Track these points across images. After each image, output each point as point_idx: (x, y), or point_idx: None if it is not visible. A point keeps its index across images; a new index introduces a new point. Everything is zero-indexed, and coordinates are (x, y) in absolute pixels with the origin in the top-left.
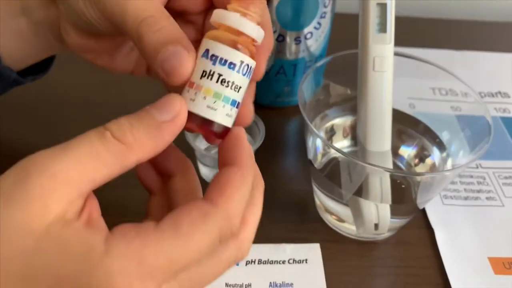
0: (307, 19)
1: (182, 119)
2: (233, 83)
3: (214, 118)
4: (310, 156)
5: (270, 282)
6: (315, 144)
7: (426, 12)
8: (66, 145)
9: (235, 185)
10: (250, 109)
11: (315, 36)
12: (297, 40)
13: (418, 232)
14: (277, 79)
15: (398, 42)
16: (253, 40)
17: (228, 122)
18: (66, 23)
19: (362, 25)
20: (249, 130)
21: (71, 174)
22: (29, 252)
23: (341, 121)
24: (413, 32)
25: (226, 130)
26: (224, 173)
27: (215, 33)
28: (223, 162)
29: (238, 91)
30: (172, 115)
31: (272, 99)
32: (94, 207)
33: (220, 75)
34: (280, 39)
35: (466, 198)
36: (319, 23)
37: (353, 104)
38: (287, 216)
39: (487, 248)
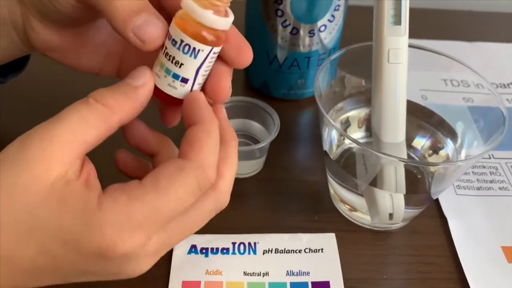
0: (321, 12)
1: (152, 83)
2: (173, 58)
3: (157, 84)
4: (326, 147)
5: (287, 271)
6: (331, 135)
7: (437, 3)
8: (58, 116)
9: (202, 138)
10: (221, 86)
11: (328, 28)
12: (311, 33)
13: (432, 222)
14: (290, 72)
15: (410, 33)
16: (211, 28)
17: (173, 93)
18: (32, 18)
19: (376, 17)
20: (264, 122)
21: (65, 137)
22: (34, 206)
23: (356, 113)
24: (425, 24)
25: (174, 99)
26: (190, 132)
27: (178, 13)
28: (188, 124)
29: (179, 67)
30: (143, 80)
31: (286, 91)
32: (91, 170)
33: (165, 48)
34: (294, 32)
35: (479, 188)
36: (333, 16)
37: (368, 96)
38: (303, 206)
39: (500, 237)
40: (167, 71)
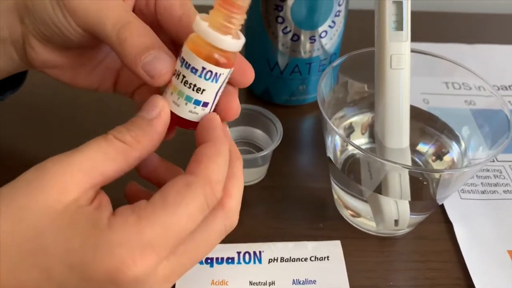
0: (321, 18)
1: (167, 112)
2: (195, 85)
3: (177, 112)
4: (329, 153)
5: (293, 279)
6: (334, 141)
7: (437, 6)
8: (78, 147)
9: (211, 155)
10: (232, 106)
11: (329, 34)
12: (312, 39)
13: (437, 227)
14: (292, 78)
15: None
16: (228, 51)
17: (193, 118)
18: (33, 38)
19: (378, 23)
20: (266, 129)
21: (84, 165)
22: (42, 228)
23: (359, 119)
24: (424, 27)
25: (194, 124)
26: (200, 149)
27: (191, 38)
28: (199, 143)
29: (201, 93)
30: (157, 111)
31: (287, 98)
32: (105, 200)
33: (184, 76)
34: (295, 39)
35: (483, 192)
36: (333, 22)
37: (371, 101)
38: (307, 214)
39: (506, 241)
40: (188, 98)
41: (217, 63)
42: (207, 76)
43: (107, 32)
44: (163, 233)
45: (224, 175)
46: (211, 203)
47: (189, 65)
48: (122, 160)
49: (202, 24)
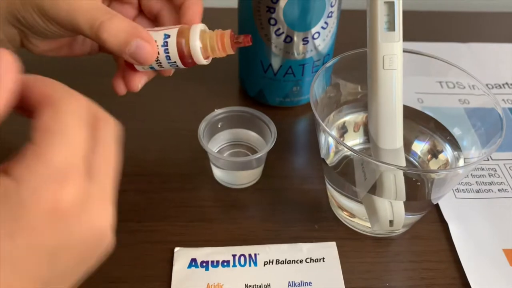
0: (314, 19)
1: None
2: (160, 63)
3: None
4: (323, 154)
5: (289, 282)
6: (328, 142)
7: (429, 6)
8: None
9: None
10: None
11: (322, 35)
12: (305, 40)
13: (432, 227)
14: (285, 80)
15: (403, 36)
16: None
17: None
18: (30, 37)
19: (370, 24)
20: (260, 131)
21: None
22: None
23: (352, 118)
24: (417, 26)
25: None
26: (37, 120)
27: (181, 34)
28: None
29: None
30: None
31: (281, 99)
32: None
33: (158, 54)
34: (288, 40)
35: (478, 191)
36: (326, 23)
37: (364, 101)
38: (302, 215)
39: (502, 240)
40: (151, 67)
41: (185, 64)
42: (171, 62)
43: (87, 34)
44: (64, 158)
45: (77, 150)
46: (90, 113)
47: (169, 56)
48: None
49: (196, 43)
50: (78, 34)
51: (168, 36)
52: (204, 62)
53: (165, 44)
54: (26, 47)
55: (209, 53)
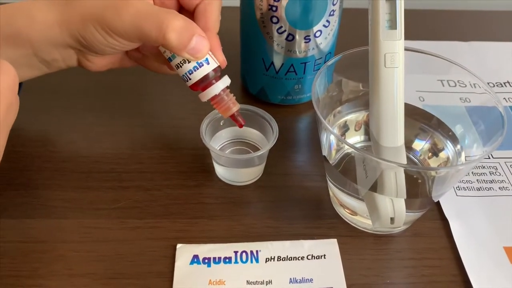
0: (316, 17)
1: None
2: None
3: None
4: (325, 152)
5: (290, 278)
6: (329, 140)
7: (431, 4)
8: None
9: None
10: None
11: (324, 33)
12: (307, 39)
13: (433, 224)
14: (287, 78)
15: (405, 35)
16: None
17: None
18: (90, 56)
19: (372, 22)
20: (262, 129)
21: None
22: None
23: (354, 117)
24: (419, 25)
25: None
26: None
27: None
28: None
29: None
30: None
31: (283, 97)
32: None
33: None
34: (289, 38)
35: (479, 189)
36: (328, 21)
37: (365, 99)
38: (304, 213)
39: (502, 238)
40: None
41: (192, 87)
42: (187, 75)
43: (152, 38)
44: None
45: None
46: None
47: (191, 72)
48: None
49: (216, 91)
50: (140, 42)
51: (208, 64)
52: (203, 99)
53: (201, 64)
54: (82, 65)
55: (214, 101)
